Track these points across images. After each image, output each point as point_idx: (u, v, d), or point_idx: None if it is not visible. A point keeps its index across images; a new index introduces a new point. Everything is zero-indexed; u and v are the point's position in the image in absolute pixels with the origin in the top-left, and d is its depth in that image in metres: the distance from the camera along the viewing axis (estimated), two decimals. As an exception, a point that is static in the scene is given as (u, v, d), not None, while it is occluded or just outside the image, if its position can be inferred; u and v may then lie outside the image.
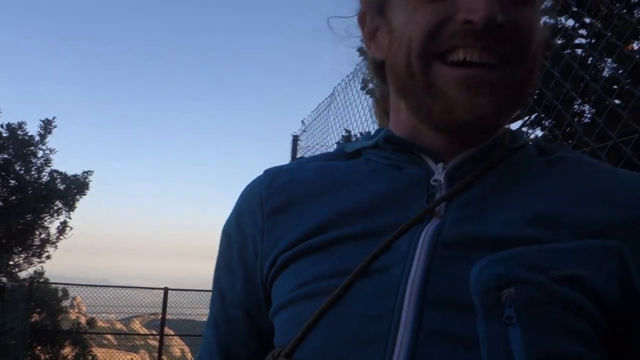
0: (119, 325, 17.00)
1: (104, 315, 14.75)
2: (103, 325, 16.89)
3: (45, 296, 11.00)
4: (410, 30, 0.66)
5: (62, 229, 11.63)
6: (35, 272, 11.43)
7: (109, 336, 16.08)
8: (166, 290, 11.01)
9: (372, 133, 0.82)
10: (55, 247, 11.55)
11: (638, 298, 0.59)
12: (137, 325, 16.33)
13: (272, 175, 0.78)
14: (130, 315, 14.96)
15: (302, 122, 5.56)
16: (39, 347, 10.40)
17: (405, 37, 0.66)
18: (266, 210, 0.75)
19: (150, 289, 12.29)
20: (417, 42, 0.65)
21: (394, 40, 0.69)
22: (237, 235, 0.78)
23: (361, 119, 3.94)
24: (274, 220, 0.73)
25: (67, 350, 10.56)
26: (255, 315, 0.77)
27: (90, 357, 10.96)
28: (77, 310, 15.22)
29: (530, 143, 0.75)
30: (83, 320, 11.84)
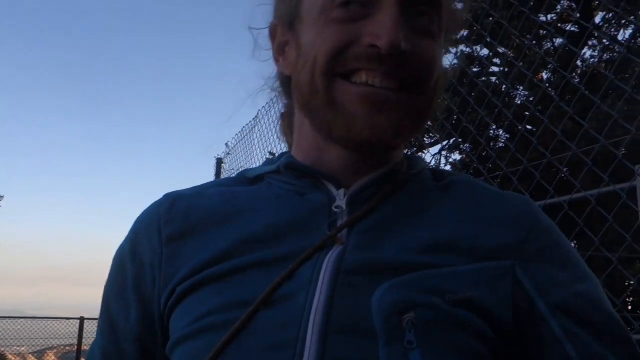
0: (31, 359, 16.07)
1: (15, 348, 13.89)
2: (14, 359, 15.87)
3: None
4: (316, 49, 0.66)
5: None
6: None
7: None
8: (82, 319, 10.48)
9: (275, 157, 0.81)
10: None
11: (539, 312, 0.62)
12: (51, 358, 15.46)
13: (172, 200, 0.75)
14: (44, 347, 14.12)
15: (226, 144, 5.49)
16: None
17: (311, 55, 0.67)
18: (165, 236, 0.71)
19: (65, 319, 11.64)
20: (322, 60, 0.65)
21: (300, 57, 0.70)
22: (132, 263, 0.73)
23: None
24: (174, 247, 0.70)
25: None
26: (152, 349, 0.72)
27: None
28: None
29: (427, 168, 0.77)
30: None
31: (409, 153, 0.80)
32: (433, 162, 8.67)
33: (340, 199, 0.69)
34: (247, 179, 0.78)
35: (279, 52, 0.77)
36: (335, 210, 0.68)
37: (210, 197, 0.74)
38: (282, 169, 0.73)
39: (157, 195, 0.78)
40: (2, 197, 11.50)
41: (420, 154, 7.99)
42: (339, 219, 0.68)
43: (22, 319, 12.42)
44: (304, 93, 0.69)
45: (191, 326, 0.64)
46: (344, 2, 0.65)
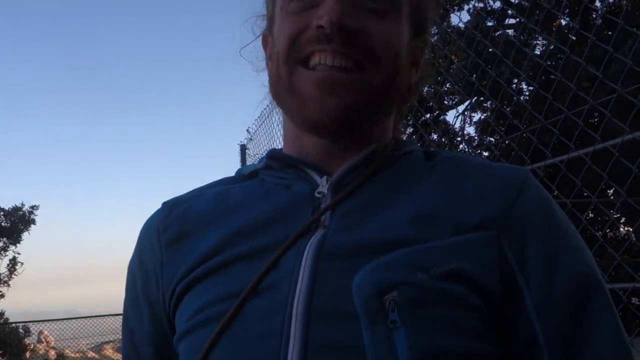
0: (90, 354, 16.61)
1: (74, 346, 14.41)
2: (74, 355, 16.45)
3: (6, 337, 10.64)
4: (278, 42, 0.71)
5: (13, 266, 11.33)
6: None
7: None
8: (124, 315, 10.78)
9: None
10: (8, 285, 11.26)
11: (517, 286, 0.62)
12: (109, 352, 15.98)
13: (169, 207, 0.79)
14: (101, 342, 14.60)
15: (247, 130, 5.50)
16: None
17: (276, 48, 0.72)
18: (163, 242, 0.75)
19: (116, 315, 11.99)
20: (282, 50, 0.70)
21: (272, 53, 0.74)
22: (140, 272, 0.77)
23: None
24: (172, 252, 0.74)
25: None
26: (166, 350, 0.76)
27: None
28: (45, 345, 14.80)
29: (418, 150, 0.78)
30: (52, 353, 11.46)
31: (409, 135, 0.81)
32: (457, 124, 8.56)
33: (323, 185, 0.70)
34: (242, 176, 0.81)
35: (269, 57, 0.78)
36: (317, 195, 0.70)
37: (206, 199, 0.78)
38: (266, 160, 0.77)
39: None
40: (38, 206, 11.83)
41: (443, 116, 7.88)
42: (322, 205, 0.69)
43: (77, 319, 12.83)
44: (272, 83, 0.74)
45: (189, 322, 0.67)
46: None
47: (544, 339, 0.61)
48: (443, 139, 7.38)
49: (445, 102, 7.86)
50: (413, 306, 0.57)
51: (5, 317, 11.20)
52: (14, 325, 11.25)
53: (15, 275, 11.36)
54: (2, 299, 11.19)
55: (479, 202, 0.66)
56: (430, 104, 5.32)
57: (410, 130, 8.00)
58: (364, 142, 0.72)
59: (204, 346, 0.62)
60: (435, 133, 7.33)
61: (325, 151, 0.72)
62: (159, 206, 0.81)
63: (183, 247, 0.73)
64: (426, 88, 6.75)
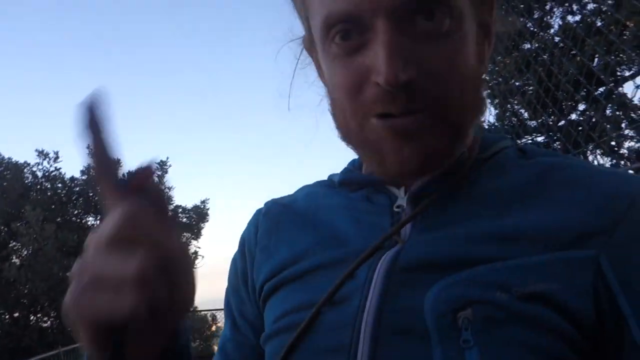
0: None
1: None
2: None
3: (196, 324, 11.81)
4: (335, 91, 0.65)
5: (194, 259, 12.53)
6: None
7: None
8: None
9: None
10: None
11: (620, 312, 0.54)
12: None
13: (268, 207, 0.83)
14: None
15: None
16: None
17: (333, 95, 0.66)
18: (259, 237, 0.79)
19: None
20: (346, 106, 0.63)
21: (327, 86, 0.69)
22: (241, 261, 0.82)
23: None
24: (264, 249, 0.77)
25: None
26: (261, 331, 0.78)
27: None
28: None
29: (509, 146, 0.71)
30: None
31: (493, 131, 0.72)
32: (638, 95, 7.58)
33: (401, 198, 0.68)
34: (332, 182, 0.80)
35: (318, 66, 0.74)
36: (397, 209, 0.68)
37: (299, 202, 0.80)
38: (337, 184, 0.77)
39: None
40: (208, 199, 12.95)
41: (619, 88, 7.04)
42: (402, 218, 0.66)
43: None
44: (341, 131, 0.68)
45: (272, 326, 0.69)
46: (333, 38, 0.61)
47: None
48: (618, 113, 6.61)
49: (620, 74, 7.01)
50: (488, 326, 0.54)
51: (194, 306, 12.48)
52: (202, 313, 12.47)
53: (196, 267, 12.56)
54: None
55: (576, 215, 0.58)
56: (602, 77, 4.77)
57: (581, 107, 7.30)
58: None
59: (281, 354, 0.64)
60: (609, 109, 6.58)
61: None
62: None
63: (274, 247, 0.76)
64: (596, 60, 6.09)
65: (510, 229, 0.59)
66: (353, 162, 0.80)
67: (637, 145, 7.95)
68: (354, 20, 0.58)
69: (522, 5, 5.66)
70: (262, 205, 0.85)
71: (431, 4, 0.58)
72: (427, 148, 0.61)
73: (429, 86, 0.58)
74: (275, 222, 0.79)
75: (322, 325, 0.62)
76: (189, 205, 12.95)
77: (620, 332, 0.54)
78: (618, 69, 6.89)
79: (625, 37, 5.43)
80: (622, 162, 7.79)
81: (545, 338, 0.54)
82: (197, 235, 12.77)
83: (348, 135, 0.67)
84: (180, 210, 12.76)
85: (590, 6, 7.26)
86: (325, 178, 0.83)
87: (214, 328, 12.47)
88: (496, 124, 7.60)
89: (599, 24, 6.25)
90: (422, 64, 0.58)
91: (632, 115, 7.07)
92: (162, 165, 12.68)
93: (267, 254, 0.76)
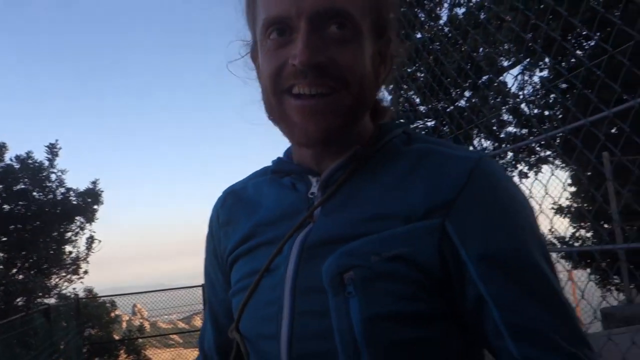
0: (181, 325, 17.42)
1: (165, 317, 15.19)
2: (166, 326, 17.35)
3: (95, 311, 11.44)
4: (264, 75, 0.85)
5: (90, 243, 12.12)
6: (84, 289, 11.95)
7: (173, 336, 16.53)
8: (204, 286, 11.12)
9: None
10: (87, 262, 12.06)
11: (461, 259, 0.76)
12: (198, 322, 16.59)
13: (225, 196, 1.05)
14: (192, 312, 15.23)
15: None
16: (97, 358, 10.87)
17: (262, 79, 0.86)
18: (220, 222, 1.03)
19: (196, 287, 12.45)
20: (268, 84, 0.83)
21: (260, 82, 0.88)
22: (210, 242, 1.06)
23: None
24: (224, 231, 1.01)
25: (122, 357, 11.02)
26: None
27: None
28: (139, 317, 15.73)
29: (397, 136, 0.91)
30: (147, 325, 12.09)
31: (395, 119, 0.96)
32: (515, 85, 8.21)
33: (314, 186, 0.89)
34: (269, 170, 1.00)
35: (257, 70, 0.92)
36: (310, 196, 0.89)
37: (248, 192, 1.01)
38: (272, 170, 0.98)
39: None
40: (98, 179, 12.58)
41: (501, 77, 7.59)
42: (315, 202, 0.88)
43: (168, 290, 13.34)
44: (266, 109, 0.88)
45: (234, 287, 0.94)
46: (269, 35, 0.82)
47: (488, 296, 0.75)
48: (498, 100, 7.15)
49: (503, 65, 7.56)
50: (364, 281, 0.76)
51: (94, 292, 12.01)
52: (101, 299, 12.08)
53: (92, 252, 12.13)
54: (87, 275, 11.98)
55: (428, 194, 0.79)
56: (484, 67, 5.16)
57: (467, 94, 7.80)
58: (346, 144, 0.87)
59: (239, 308, 0.89)
60: (490, 97, 7.10)
61: (317, 155, 0.90)
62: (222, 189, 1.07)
63: (231, 228, 0.99)
64: (480, 50, 6.54)
65: (386, 210, 0.80)
66: (287, 152, 1.00)
67: (514, 130, 8.65)
68: (285, 22, 0.80)
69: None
70: (220, 193, 1.07)
71: (341, 18, 0.79)
72: (327, 124, 0.81)
73: (332, 72, 0.79)
74: (230, 209, 1.01)
75: (263, 287, 0.86)
76: (82, 188, 12.40)
77: (462, 275, 0.76)
78: (500, 60, 7.42)
79: (503, 31, 5.87)
80: (504, 145, 8.43)
81: (402, 285, 0.75)
82: (91, 218, 12.26)
83: (271, 111, 0.86)
84: (72, 192, 12.19)
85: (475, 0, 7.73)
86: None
87: (112, 314, 12.14)
88: (391, 108, 7.92)
89: (482, 16, 6.70)
90: (329, 56, 0.79)
91: (510, 102, 7.67)
92: (52, 148, 12.06)
93: (227, 234, 0.99)
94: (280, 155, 1.00)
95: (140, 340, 12.06)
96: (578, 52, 7.68)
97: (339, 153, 0.88)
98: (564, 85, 7.35)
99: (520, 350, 0.73)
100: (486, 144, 8.52)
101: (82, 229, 12.29)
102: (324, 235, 0.83)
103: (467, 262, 0.75)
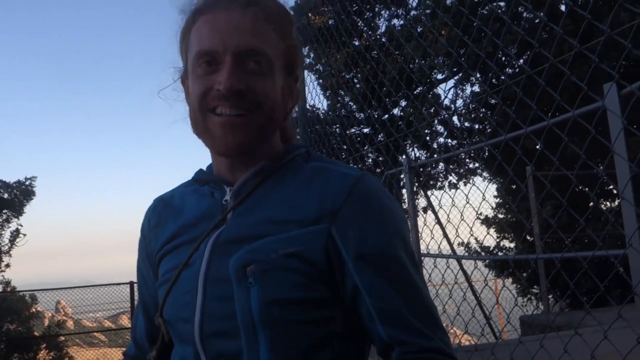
0: (107, 323, 16.97)
1: (90, 315, 14.75)
2: (91, 325, 16.84)
3: (14, 305, 11.00)
4: (193, 95, 1.02)
5: (15, 237, 11.71)
6: (2, 282, 11.45)
7: (98, 335, 16.07)
8: (131, 283, 10.94)
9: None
10: (9, 255, 11.62)
11: (342, 256, 0.95)
12: (125, 321, 16.20)
13: (155, 203, 1.22)
14: (119, 311, 14.86)
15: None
16: (15, 355, 10.45)
17: (191, 100, 1.03)
18: (151, 226, 1.19)
19: (123, 284, 12.16)
20: (196, 103, 1.00)
21: (189, 101, 1.06)
22: (142, 243, 1.22)
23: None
24: (154, 233, 1.17)
25: (42, 354, 10.65)
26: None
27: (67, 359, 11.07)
28: (62, 314, 15.21)
29: (300, 154, 1.09)
30: (70, 323, 11.66)
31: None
32: (447, 99, 8.49)
33: (227, 194, 1.06)
34: (192, 179, 1.18)
35: (186, 92, 1.09)
36: (224, 203, 1.05)
37: (175, 199, 1.18)
38: (195, 180, 1.15)
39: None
40: (36, 177, 12.12)
41: (432, 91, 7.82)
42: (228, 208, 1.05)
43: (93, 287, 12.98)
44: (192, 125, 1.04)
45: (160, 279, 1.09)
46: (200, 65, 0.99)
47: (362, 286, 0.94)
48: (431, 111, 7.38)
49: (438, 77, 7.81)
50: (263, 273, 0.92)
51: (12, 286, 11.54)
52: (21, 293, 11.62)
53: (15, 245, 11.69)
54: (8, 269, 11.52)
55: (319, 203, 0.97)
56: (416, 79, 5.32)
57: (402, 104, 8.00)
58: (258, 158, 1.05)
59: (163, 296, 1.05)
60: (424, 108, 7.31)
61: (232, 167, 1.06)
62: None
63: (159, 230, 1.15)
64: (417, 61, 6.73)
65: (285, 216, 0.97)
66: (208, 166, 1.16)
67: (445, 140, 8.95)
68: (214, 55, 0.97)
69: (355, 7, 6.06)
70: (150, 202, 1.23)
71: (258, 56, 0.98)
72: (243, 138, 0.98)
73: (249, 97, 0.97)
74: (160, 214, 1.18)
75: (182, 278, 1.01)
76: (12, 181, 11.93)
77: (342, 269, 0.95)
78: (433, 72, 7.67)
79: (438, 45, 6.07)
80: (435, 155, 8.70)
81: (295, 276, 0.92)
82: (19, 212, 11.81)
83: (197, 125, 1.02)
84: (1, 184, 11.70)
85: (413, 12, 7.97)
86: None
87: (33, 310, 11.69)
88: (330, 112, 8.05)
89: (419, 30, 6.91)
90: (247, 85, 0.97)
91: (444, 113, 7.93)
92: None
93: (156, 235, 1.15)
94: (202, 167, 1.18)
95: (62, 338, 11.66)
96: (508, 70, 8.04)
97: (251, 166, 1.04)
98: (493, 101, 7.65)
99: (386, 331, 0.93)
100: (419, 153, 8.79)
101: (7, 221, 11.81)
102: (233, 235, 0.99)
103: (347, 259, 0.95)
